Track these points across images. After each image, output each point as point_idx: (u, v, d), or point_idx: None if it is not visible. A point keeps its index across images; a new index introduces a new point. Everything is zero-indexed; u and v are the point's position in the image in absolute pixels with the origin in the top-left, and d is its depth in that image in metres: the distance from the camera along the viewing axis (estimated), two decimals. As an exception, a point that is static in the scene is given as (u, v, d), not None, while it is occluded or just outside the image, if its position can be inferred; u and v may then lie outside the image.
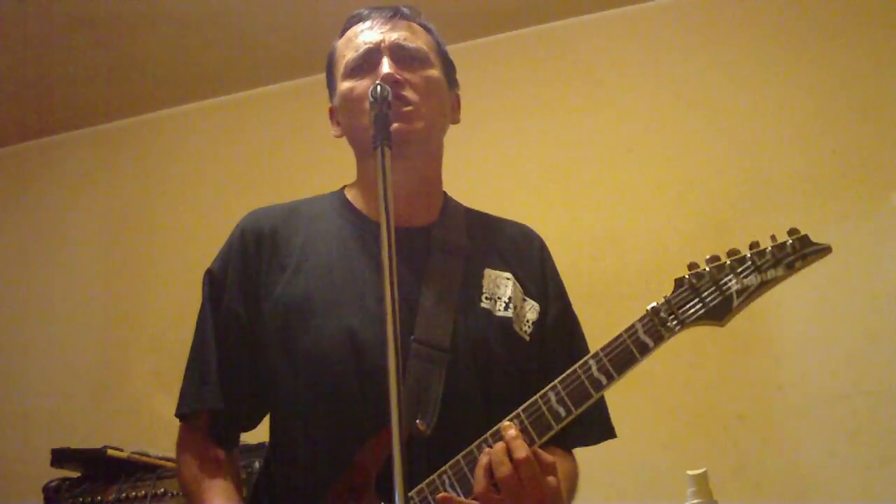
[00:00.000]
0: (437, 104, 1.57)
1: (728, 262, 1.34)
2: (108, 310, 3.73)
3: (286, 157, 3.64)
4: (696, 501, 1.33)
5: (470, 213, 1.67)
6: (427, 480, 1.35)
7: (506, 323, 1.52)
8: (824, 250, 1.33)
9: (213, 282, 1.57)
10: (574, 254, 2.98)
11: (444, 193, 1.66)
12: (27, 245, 3.93)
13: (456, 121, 1.65)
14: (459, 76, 1.69)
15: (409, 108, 1.49)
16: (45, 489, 2.51)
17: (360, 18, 1.61)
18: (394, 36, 1.55)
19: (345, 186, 1.67)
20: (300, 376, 1.47)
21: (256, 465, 2.25)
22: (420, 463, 1.36)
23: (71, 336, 3.71)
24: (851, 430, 2.80)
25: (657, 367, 3.01)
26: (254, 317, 1.52)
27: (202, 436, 1.54)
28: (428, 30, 1.63)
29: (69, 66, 3.57)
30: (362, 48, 1.55)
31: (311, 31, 3.35)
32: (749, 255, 1.34)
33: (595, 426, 1.57)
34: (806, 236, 1.34)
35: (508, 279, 1.56)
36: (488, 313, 1.51)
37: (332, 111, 1.65)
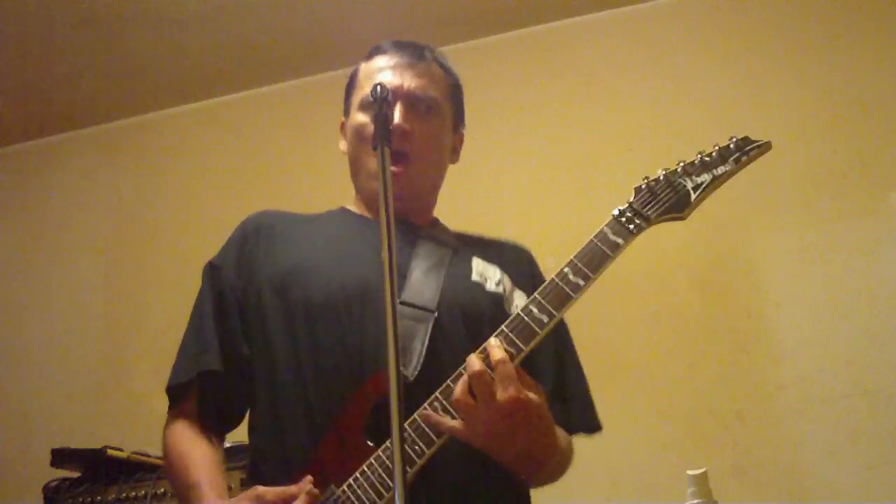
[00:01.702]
0: (436, 156, 1.69)
1: (680, 167, 1.51)
2: (108, 310, 3.73)
3: (286, 157, 3.65)
4: (696, 501, 1.33)
5: (458, 233, 1.76)
6: (419, 409, 1.38)
7: (497, 297, 1.60)
8: (764, 146, 1.49)
9: (213, 269, 1.65)
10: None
11: (434, 217, 1.76)
12: (27, 245, 3.93)
13: (454, 161, 1.76)
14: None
15: (406, 166, 1.59)
16: (45, 489, 2.51)
17: (386, 51, 1.68)
18: (412, 84, 1.63)
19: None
20: (293, 326, 1.52)
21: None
22: (405, 407, 1.39)
23: (71, 336, 3.71)
24: (851, 430, 2.80)
25: (657, 366, 3.04)
26: (251, 289, 1.59)
27: (190, 419, 1.59)
28: (445, 69, 1.71)
29: (69, 66, 3.57)
30: None
31: (311, 31, 3.36)
32: (698, 158, 1.50)
33: (584, 415, 1.64)
34: (746, 137, 1.50)
35: (497, 269, 1.65)
36: (479, 286, 1.60)
37: (343, 125, 1.74)
